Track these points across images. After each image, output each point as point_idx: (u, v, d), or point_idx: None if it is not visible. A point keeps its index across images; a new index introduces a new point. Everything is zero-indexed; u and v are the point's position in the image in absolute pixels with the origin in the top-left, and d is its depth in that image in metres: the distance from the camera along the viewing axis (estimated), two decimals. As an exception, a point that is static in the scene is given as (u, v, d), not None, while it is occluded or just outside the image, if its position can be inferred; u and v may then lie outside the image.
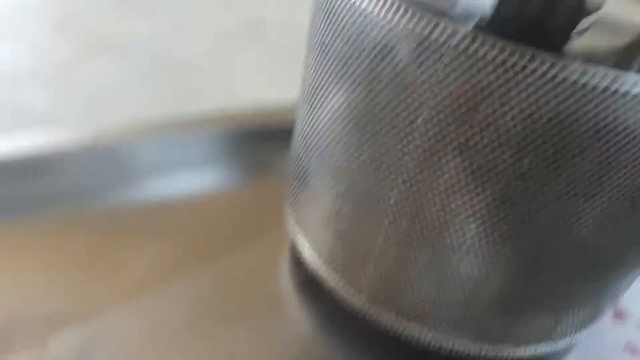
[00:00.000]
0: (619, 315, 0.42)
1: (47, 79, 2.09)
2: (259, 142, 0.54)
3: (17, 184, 0.44)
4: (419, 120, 0.27)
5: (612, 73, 0.22)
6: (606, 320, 0.41)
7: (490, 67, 0.24)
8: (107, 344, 0.34)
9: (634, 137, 0.24)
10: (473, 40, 0.24)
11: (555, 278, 0.30)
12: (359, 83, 0.29)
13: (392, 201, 0.31)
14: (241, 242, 0.43)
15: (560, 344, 0.35)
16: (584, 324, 0.35)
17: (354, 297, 0.36)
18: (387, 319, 0.35)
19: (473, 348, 0.34)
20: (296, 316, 0.38)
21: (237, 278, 0.40)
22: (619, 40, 0.26)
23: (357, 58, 0.29)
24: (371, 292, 0.35)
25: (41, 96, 1.90)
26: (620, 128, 0.24)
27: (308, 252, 0.39)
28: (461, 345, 0.34)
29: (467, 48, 0.24)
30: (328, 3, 0.30)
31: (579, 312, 0.33)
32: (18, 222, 0.41)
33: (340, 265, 0.36)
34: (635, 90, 0.23)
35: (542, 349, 0.35)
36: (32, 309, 0.35)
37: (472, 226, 0.28)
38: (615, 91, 0.23)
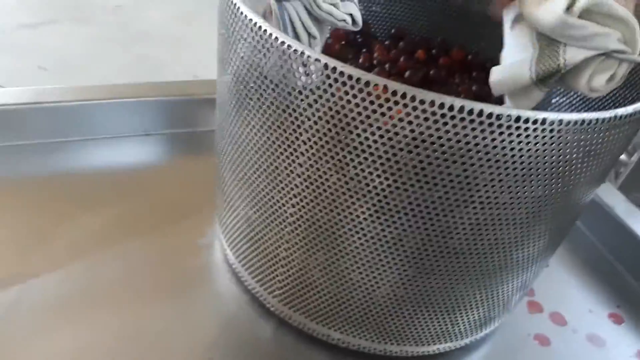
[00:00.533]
0: (534, 308, 0.44)
1: (10, 43, 2.04)
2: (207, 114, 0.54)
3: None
4: (301, 139, 0.28)
5: (462, 102, 0.23)
6: (521, 312, 0.43)
7: (353, 102, 0.25)
8: (30, 307, 0.36)
9: (488, 160, 0.25)
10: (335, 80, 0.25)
11: (440, 283, 0.31)
12: (252, 106, 0.30)
13: (289, 211, 0.32)
14: (174, 216, 0.45)
15: (461, 342, 0.37)
16: (481, 324, 0.36)
17: (267, 300, 0.38)
18: (298, 320, 0.37)
19: (378, 347, 0.36)
20: (220, 294, 0.40)
21: (166, 251, 0.42)
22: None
23: (249, 79, 0.30)
24: (282, 294, 0.36)
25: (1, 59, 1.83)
26: (477, 150, 0.25)
27: (229, 253, 0.40)
28: (366, 344, 0.36)
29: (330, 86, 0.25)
30: (226, 20, 0.30)
31: (471, 314, 0.34)
32: None
33: (254, 268, 0.37)
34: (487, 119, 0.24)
35: (444, 347, 0.37)
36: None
37: (357, 236, 0.30)
38: (464, 119, 0.24)
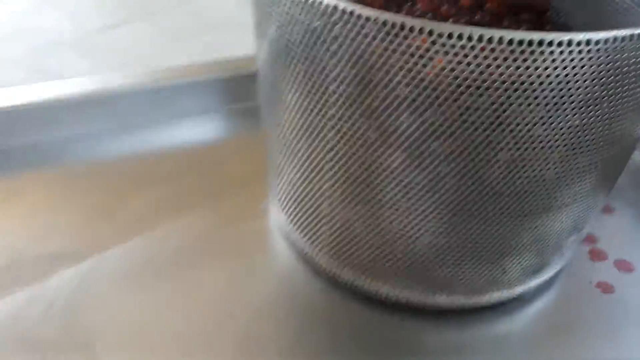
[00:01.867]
0: (598, 256, 0.42)
1: (86, 44, 2.20)
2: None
3: (25, 133, 0.50)
4: (330, 89, 0.29)
5: (480, 31, 0.23)
6: (583, 260, 0.41)
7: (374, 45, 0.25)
8: (100, 281, 0.39)
9: (525, 90, 0.25)
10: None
11: (481, 227, 0.31)
12: (284, 69, 0.31)
13: (326, 167, 0.33)
14: (234, 187, 0.47)
15: (514, 291, 0.36)
16: (533, 271, 0.35)
17: (317, 258, 0.39)
18: (346, 275, 0.37)
19: (426, 299, 0.36)
20: (275, 256, 0.42)
21: (225, 220, 0.44)
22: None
23: (280, 45, 0.30)
24: (329, 251, 0.37)
25: (80, 61, 2.00)
26: (510, 82, 0.24)
27: (282, 217, 0.41)
28: (414, 297, 0.36)
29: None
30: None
31: (520, 260, 0.33)
32: (25, 171, 0.47)
33: (302, 227, 0.39)
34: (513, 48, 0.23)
35: (496, 296, 0.36)
36: (35, 248, 0.41)
37: (392, 184, 0.30)
38: (494, 49, 0.23)
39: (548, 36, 0.23)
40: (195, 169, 0.49)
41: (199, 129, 0.54)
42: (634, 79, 0.26)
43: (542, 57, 0.23)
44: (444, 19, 0.42)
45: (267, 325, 0.37)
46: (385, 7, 0.45)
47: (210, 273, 0.40)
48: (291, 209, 0.39)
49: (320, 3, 0.26)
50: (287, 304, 0.39)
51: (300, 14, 0.27)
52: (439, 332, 0.37)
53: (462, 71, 0.24)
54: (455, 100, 0.25)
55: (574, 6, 0.44)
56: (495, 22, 0.43)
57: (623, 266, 0.41)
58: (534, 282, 0.37)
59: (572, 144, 0.27)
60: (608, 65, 0.24)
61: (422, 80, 0.25)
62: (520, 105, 0.25)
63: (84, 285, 0.39)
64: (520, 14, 0.44)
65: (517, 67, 0.24)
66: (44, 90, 0.51)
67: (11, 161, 0.49)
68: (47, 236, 0.42)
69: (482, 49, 0.23)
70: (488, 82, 0.24)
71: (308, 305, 0.39)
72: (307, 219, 0.37)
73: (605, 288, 0.40)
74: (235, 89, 0.56)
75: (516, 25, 0.42)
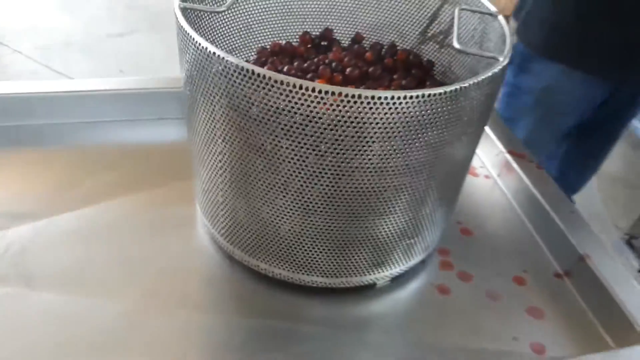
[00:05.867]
0: (446, 266, 0.52)
1: (92, 47, 2.36)
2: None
3: (17, 118, 0.61)
4: (218, 116, 0.40)
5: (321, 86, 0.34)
6: (432, 269, 0.52)
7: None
8: (51, 236, 0.50)
9: (359, 126, 0.36)
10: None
11: (325, 222, 0.41)
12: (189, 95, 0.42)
13: (219, 166, 0.43)
14: (170, 181, 0.58)
15: (365, 278, 0.47)
16: (375, 263, 0.46)
17: (217, 238, 0.49)
18: (238, 254, 0.48)
19: (293, 276, 0.46)
20: (191, 236, 0.53)
21: (161, 204, 0.55)
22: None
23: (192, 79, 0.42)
24: (225, 233, 0.48)
25: (81, 63, 2.14)
26: (350, 121, 0.35)
27: (198, 206, 0.52)
28: (284, 273, 0.46)
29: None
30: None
31: (362, 252, 0.44)
32: (10, 148, 0.59)
33: (209, 213, 0.49)
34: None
35: (348, 280, 0.47)
36: (4, 207, 0.52)
37: (260, 182, 0.41)
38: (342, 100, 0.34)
39: (371, 93, 0.34)
40: (146, 162, 0.61)
41: (157, 130, 0.65)
42: (442, 123, 0.37)
43: (369, 106, 0.34)
44: (344, 68, 0.53)
45: (174, 280, 0.48)
46: (308, 52, 0.57)
47: (142, 238, 0.51)
48: (202, 201, 0.50)
49: (214, 54, 0.37)
50: (192, 268, 0.50)
51: (204, 65, 0.39)
52: (306, 306, 0.47)
53: (321, 112, 0.35)
54: (313, 132, 0.36)
55: (455, 65, 0.55)
56: (388, 73, 0.54)
57: (463, 276, 0.51)
58: (380, 274, 0.47)
59: (383, 168, 0.38)
60: (418, 112, 0.35)
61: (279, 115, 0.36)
62: (352, 136, 0.36)
63: (37, 237, 0.50)
64: (411, 69, 0.56)
65: (351, 111, 0.35)
66: (44, 85, 0.63)
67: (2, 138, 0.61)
68: (14, 199, 0.54)
69: (335, 99, 0.34)
70: (335, 120, 0.35)
71: (209, 272, 0.49)
72: (210, 208, 0.48)
73: (444, 290, 0.50)
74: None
75: (404, 77, 0.54)
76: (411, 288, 0.50)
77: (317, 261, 0.45)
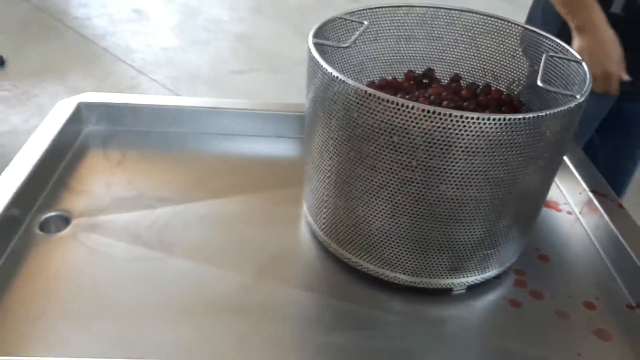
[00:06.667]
0: (519, 284, 0.57)
1: (215, 81, 2.63)
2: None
3: (162, 126, 0.76)
4: (333, 133, 0.50)
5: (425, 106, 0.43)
6: (506, 285, 0.57)
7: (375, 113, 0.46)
8: (186, 217, 0.62)
9: (455, 152, 0.44)
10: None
11: (411, 223, 0.49)
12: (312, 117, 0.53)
13: (327, 170, 0.53)
14: (282, 186, 0.68)
15: (440, 282, 0.53)
16: (451, 268, 0.52)
17: (318, 233, 0.59)
18: (333, 247, 0.57)
19: (379, 271, 0.54)
20: (297, 232, 0.62)
21: (273, 204, 0.66)
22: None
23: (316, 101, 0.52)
24: (325, 228, 0.57)
25: (205, 93, 2.38)
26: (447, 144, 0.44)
27: (305, 205, 0.62)
28: (372, 267, 0.54)
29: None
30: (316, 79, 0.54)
31: (440, 255, 0.51)
32: (161, 151, 0.73)
33: (313, 210, 0.59)
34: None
35: (425, 282, 0.53)
36: (153, 192, 0.65)
37: (362, 185, 0.50)
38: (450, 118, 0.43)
39: (459, 112, 0.42)
40: (264, 170, 0.72)
41: (275, 146, 0.77)
42: (520, 146, 0.44)
43: (457, 124, 0.43)
44: (441, 101, 0.61)
45: (280, 263, 0.58)
46: (410, 87, 0.66)
47: (257, 228, 0.62)
48: (309, 199, 0.60)
49: (337, 78, 0.47)
50: (295, 256, 0.59)
51: (328, 87, 0.49)
52: (388, 299, 0.55)
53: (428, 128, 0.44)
54: (423, 146, 0.45)
55: (538, 103, 0.61)
56: (482, 109, 0.62)
57: (535, 294, 0.56)
58: (457, 280, 0.54)
59: (465, 181, 0.45)
60: (499, 133, 0.43)
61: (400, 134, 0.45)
62: (441, 150, 0.44)
63: (176, 217, 0.62)
64: (502, 107, 0.63)
65: (440, 128, 0.43)
66: (192, 100, 0.78)
67: (154, 142, 0.75)
68: (161, 187, 0.67)
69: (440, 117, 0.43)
70: (427, 135, 0.44)
71: (308, 260, 0.59)
72: (315, 206, 0.58)
73: (515, 304, 0.55)
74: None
75: (496, 112, 0.61)
76: (485, 299, 0.56)
77: (400, 259, 0.52)
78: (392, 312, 0.54)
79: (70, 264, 0.56)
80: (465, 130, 0.43)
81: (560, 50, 0.57)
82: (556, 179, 0.72)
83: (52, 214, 0.61)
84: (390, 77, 0.68)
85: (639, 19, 0.84)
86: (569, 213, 0.68)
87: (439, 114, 0.43)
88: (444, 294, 0.55)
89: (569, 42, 0.73)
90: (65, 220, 0.61)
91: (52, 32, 2.74)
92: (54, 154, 0.67)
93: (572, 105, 0.45)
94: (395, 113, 0.44)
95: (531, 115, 0.43)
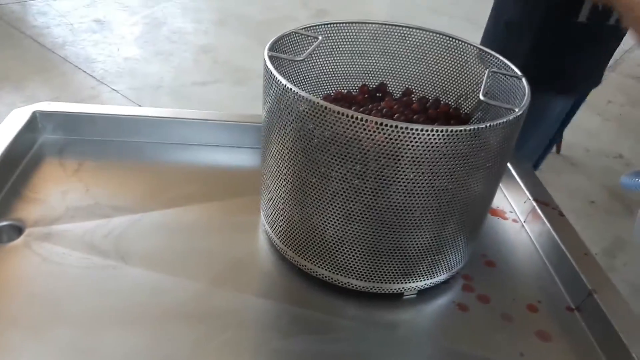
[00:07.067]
0: (467, 289, 0.59)
1: (178, 92, 2.63)
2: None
3: (120, 136, 0.76)
4: (288, 145, 0.52)
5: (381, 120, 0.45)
6: (455, 289, 0.59)
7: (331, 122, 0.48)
8: (143, 226, 0.62)
9: (404, 162, 0.46)
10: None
11: (361, 229, 0.51)
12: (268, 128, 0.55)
13: (283, 179, 0.55)
14: (239, 195, 0.69)
15: (391, 286, 0.55)
16: (402, 273, 0.54)
17: (274, 240, 0.60)
18: (289, 254, 0.58)
19: (332, 276, 0.56)
20: (253, 237, 0.63)
21: (230, 213, 0.67)
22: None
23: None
24: (281, 235, 0.58)
25: (167, 104, 2.37)
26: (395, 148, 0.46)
27: (262, 212, 0.63)
28: (325, 273, 0.56)
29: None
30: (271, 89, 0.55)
31: (391, 260, 0.53)
32: (117, 159, 0.73)
33: (269, 218, 0.60)
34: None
35: (377, 287, 0.55)
36: (108, 201, 0.65)
37: (313, 193, 0.51)
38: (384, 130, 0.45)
39: (405, 124, 0.44)
40: (221, 180, 0.73)
41: (233, 156, 0.78)
42: (463, 156, 0.47)
43: (403, 135, 0.45)
44: (393, 114, 0.63)
45: (237, 270, 0.58)
46: (364, 101, 0.68)
47: (213, 236, 0.63)
48: (265, 207, 0.61)
49: (290, 89, 0.49)
50: (252, 263, 0.60)
51: (282, 98, 0.51)
52: (342, 304, 0.56)
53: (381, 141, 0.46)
54: (358, 156, 0.47)
55: (485, 115, 0.65)
56: (431, 122, 0.65)
57: (482, 298, 0.59)
58: (407, 285, 0.56)
59: (412, 189, 0.48)
60: (442, 144, 0.45)
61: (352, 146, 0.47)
62: (389, 160, 0.46)
63: (133, 226, 0.63)
64: (451, 120, 0.66)
65: (388, 139, 0.45)
66: (149, 110, 0.78)
67: (112, 152, 0.75)
68: (118, 197, 0.67)
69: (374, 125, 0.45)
70: (375, 146, 0.46)
71: (265, 267, 0.60)
72: (272, 214, 0.59)
73: (463, 308, 0.57)
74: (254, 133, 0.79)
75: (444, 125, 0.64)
76: (434, 303, 0.58)
77: (353, 265, 0.54)
78: (346, 316, 0.55)
79: (23, 274, 0.55)
80: (413, 141, 0.46)
81: (502, 67, 0.60)
82: (503, 189, 0.75)
83: (4, 223, 0.60)
84: (346, 91, 0.71)
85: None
86: (515, 221, 0.71)
87: (389, 126, 0.45)
88: (396, 298, 0.57)
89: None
90: (18, 230, 0.60)
91: (8, 40, 2.68)
92: (8, 162, 0.67)
93: (510, 118, 0.48)
94: (350, 125, 0.46)
95: (472, 127, 0.46)
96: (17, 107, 0.74)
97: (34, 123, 0.74)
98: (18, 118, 0.72)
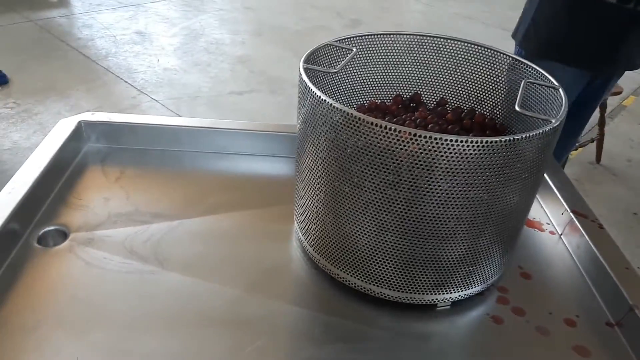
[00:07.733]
0: (502, 301, 0.59)
1: (215, 101, 2.70)
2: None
3: (162, 145, 0.78)
4: (321, 156, 0.52)
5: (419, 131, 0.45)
6: (489, 301, 0.59)
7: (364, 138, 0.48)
8: (180, 232, 0.64)
9: (438, 172, 0.46)
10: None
11: (395, 240, 0.51)
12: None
13: (317, 189, 0.55)
14: (273, 204, 0.71)
15: (425, 297, 0.55)
16: (436, 284, 0.54)
17: (308, 249, 0.61)
18: (322, 263, 0.59)
19: (365, 286, 0.56)
20: (286, 246, 0.64)
21: (264, 220, 0.68)
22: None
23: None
24: (315, 244, 0.59)
25: (205, 113, 2.45)
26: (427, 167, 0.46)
27: (295, 223, 0.64)
28: (360, 284, 0.56)
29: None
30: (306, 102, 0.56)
31: (425, 271, 0.53)
32: (157, 167, 0.75)
33: (303, 227, 0.61)
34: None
35: (410, 297, 0.55)
36: (148, 208, 0.67)
37: (349, 204, 0.52)
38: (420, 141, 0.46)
39: (439, 135, 0.44)
40: (258, 188, 0.74)
41: (269, 165, 0.79)
42: (498, 167, 0.46)
43: (437, 146, 0.45)
44: (427, 124, 0.63)
45: (271, 278, 0.59)
46: (398, 111, 0.68)
47: (249, 243, 0.64)
48: (299, 217, 0.62)
49: (324, 101, 0.50)
50: (286, 271, 0.61)
51: (316, 109, 0.52)
52: (374, 314, 0.56)
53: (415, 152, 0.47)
54: (391, 166, 0.47)
55: (520, 126, 0.64)
56: (466, 132, 0.64)
57: (517, 311, 0.58)
58: (441, 296, 0.55)
59: (447, 200, 0.47)
60: (477, 155, 0.45)
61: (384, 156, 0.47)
62: (423, 170, 0.46)
63: (171, 232, 0.64)
64: (486, 130, 0.65)
65: (422, 150, 0.45)
66: (189, 120, 0.80)
67: (152, 160, 0.78)
68: (157, 204, 0.69)
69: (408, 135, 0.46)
70: (410, 156, 0.46)
71: (298, 276, 0.60)
72: (305, 223, 0.60)
73: (497, 320, 0.56)
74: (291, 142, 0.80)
75: (480, 135, 0.63)
76: (469, 315, 0.57)
77: (386, 275, 0.54)
78: (379, 326, 0.55)
79: (66, 277, 0.58)
80: (447, 152, 0.46)
81: (539, 77, 0.60)
82: (539, 200, 0.74)
83: (51, 228, 0.63)
84: (379, 101, 0.71)
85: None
86: (552, 233, 0.70)
87: (423, 136, 0.45)
88: (429, 309, 0.57)
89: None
90: (63, 235, 0.63)
91: (55, 52, 2.79)
92: (54, 170, 0.70)
93: (547, 129, 0.48)
94: (383, 136, 0.47)
95: (508, 138, 0.46)
96: (62, 115, 0.78)
97: (79, 132, 0.77)
98: (64, 128, 0.75)
